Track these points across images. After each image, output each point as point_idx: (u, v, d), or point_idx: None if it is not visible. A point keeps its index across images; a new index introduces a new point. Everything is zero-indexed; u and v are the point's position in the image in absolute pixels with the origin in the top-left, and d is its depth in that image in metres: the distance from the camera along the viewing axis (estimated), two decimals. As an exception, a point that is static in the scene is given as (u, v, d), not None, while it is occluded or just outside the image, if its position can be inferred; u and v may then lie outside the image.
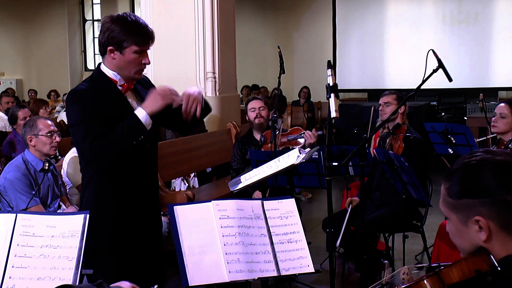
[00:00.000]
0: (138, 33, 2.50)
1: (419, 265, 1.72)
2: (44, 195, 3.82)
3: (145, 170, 2.71)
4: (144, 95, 2.65)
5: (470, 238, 1.44)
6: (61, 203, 3.99)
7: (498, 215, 1.39)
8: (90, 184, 2.66)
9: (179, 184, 6.13)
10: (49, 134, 3.85)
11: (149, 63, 2.60)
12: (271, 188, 4.12)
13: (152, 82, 2.93)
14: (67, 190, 4.26)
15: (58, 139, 3.92)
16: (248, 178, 3.19)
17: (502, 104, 4.09)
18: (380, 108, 4.44)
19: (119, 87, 2.60)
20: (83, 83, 2.63)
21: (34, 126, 3.86)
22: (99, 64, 2.64)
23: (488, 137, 5.22)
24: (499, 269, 1.40)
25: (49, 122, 3.97)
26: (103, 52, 2.57)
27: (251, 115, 4.74)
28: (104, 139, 2.48)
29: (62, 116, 8.64)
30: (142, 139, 2.50)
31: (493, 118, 4.10)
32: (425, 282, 1.44)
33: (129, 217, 2.65)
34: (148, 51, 2.60)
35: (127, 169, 2.60)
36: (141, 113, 2.50)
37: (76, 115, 2.55)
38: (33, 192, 3.69)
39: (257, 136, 4.80)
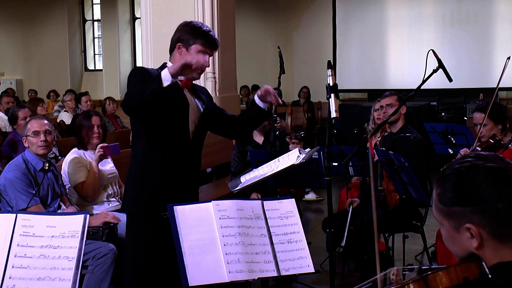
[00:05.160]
0: (205, 36, 2.88)
1: (410, 267, 1.70)
2: (44, 195, 3.81)
3: (186, 153, 2.90)
4: (203, 97, 3.01)
5: (462, 244, 1.43)
6: (61, 203, 3.98)
7: (489, 223, 1.36)
8: (138, 154, 2.92)
9: (179, 184, 6.12)
10: (34, 135, 3.79)
11: (208, 66, 2.90)
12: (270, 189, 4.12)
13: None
14: (67, 190, 4.26)
15: (48, 138, 3.80)
16: (248, 178, 3.18)
17: (477, 115, 4.06)
18: (383, 110, 4.39)
19: (178, 81, 2.79)
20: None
21: (26, 128, 3.85)
22: (165, 62, 2.91)
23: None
24: (490, 276, 1.38)
25: (40, 122, 3.87)
26: (171, 49, 2.94)
27: None
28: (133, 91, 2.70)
29: (62, 116, 8.63)
30: (154, 88, 2.59)
31: (476, 130, 4.05)
32: (411, 286, 1.42)
33: (169, 189, 2.86)
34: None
35: (169, 145, 2.85)
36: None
37: (132, 76, 2.79)
38: (33, 192, 3.68)
39: (257, 138, 4.78)
